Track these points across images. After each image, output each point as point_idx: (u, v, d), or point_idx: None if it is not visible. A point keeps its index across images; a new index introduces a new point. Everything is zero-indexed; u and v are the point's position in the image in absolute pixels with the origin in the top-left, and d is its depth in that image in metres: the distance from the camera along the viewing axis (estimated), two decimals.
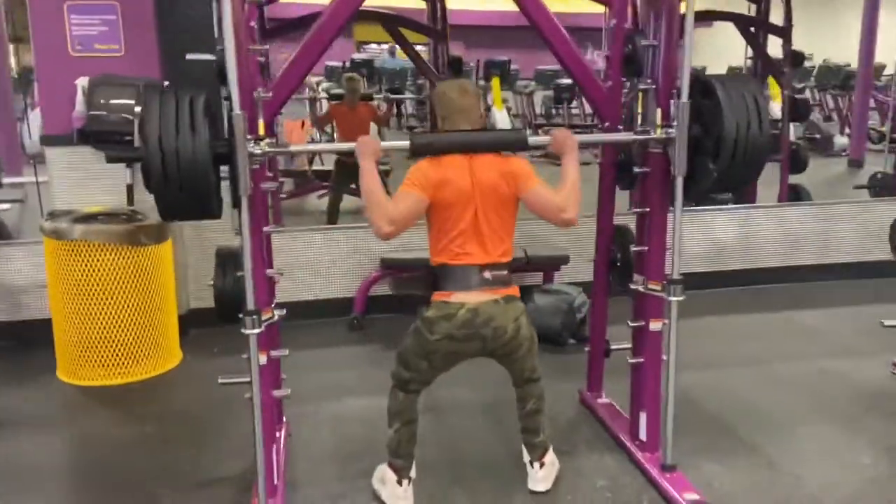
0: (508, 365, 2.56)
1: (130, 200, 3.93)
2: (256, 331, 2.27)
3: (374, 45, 15.08)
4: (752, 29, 6.36)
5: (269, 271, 2.60)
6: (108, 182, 3.95)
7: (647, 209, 2.65)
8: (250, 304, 2.25)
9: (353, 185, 6.82)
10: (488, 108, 7.70)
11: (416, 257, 4.49)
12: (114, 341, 3.61)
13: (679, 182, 2.43)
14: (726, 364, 3.82)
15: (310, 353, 3.93)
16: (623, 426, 2.96)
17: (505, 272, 2.43)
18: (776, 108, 6.11)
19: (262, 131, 2.23)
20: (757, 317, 4.59)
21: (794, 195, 6.11)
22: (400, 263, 4.47)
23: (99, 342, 3.60)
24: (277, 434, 2.85)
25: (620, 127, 2.88)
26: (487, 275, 2.39)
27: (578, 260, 4.58)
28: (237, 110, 2.12)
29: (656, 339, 2.71)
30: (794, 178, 6.11)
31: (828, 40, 12.02)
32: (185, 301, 4.28)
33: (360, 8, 5.62)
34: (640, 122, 2.61)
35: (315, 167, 7.25)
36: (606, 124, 2.88)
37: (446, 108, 2.46)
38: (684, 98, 2.36)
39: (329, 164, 6.69)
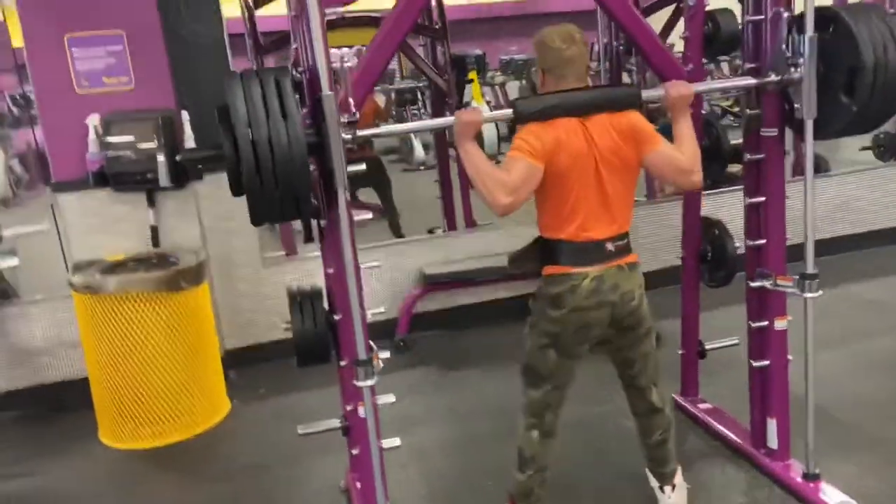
0: (628, 351, 2.31)
1: (156, 242, 3.64)
2: (371, 382, 2.02)
3: (345, 49, 14.76)
4: None
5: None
6: (126, 226, 3.66)
7: (762, 198, 2.44)
8: (362, 353, 1.99)
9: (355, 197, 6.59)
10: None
11: (459, 269, 4.30)
12: (160, 397, 3.31)
13: (809, 126, 2.21)
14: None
15: None
16: (740, 433, 2.76)
17: (626, 241, 2.21)
18: None
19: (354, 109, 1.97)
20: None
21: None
22: (444, 277, 4.24)
23: (144, 399, 3.30)
24: None
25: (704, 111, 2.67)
26: (610, 247, 2.17)
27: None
28: (327, 91, 1.85)
29: (782, 339, 2.51)
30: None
31: None
32: (220, 343, 3.99)
33: (350, 15, 5.33)
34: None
35: None
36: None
37: (551, 59, 2.18)
38: (810, 31, 2.14)
39: None
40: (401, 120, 11.46)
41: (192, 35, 3.60)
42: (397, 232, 5.86)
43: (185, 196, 3.69)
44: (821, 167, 5.95)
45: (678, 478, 2.45)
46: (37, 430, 3.61)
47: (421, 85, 9.65)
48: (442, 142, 5.83)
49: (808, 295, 2.31)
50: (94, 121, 3.44)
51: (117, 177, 3.43)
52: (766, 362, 2.53)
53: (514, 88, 11.99)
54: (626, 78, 5.91)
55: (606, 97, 2.20)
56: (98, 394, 3.40)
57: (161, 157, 3.39)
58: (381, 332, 4.22)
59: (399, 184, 6.09)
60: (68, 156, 3.52)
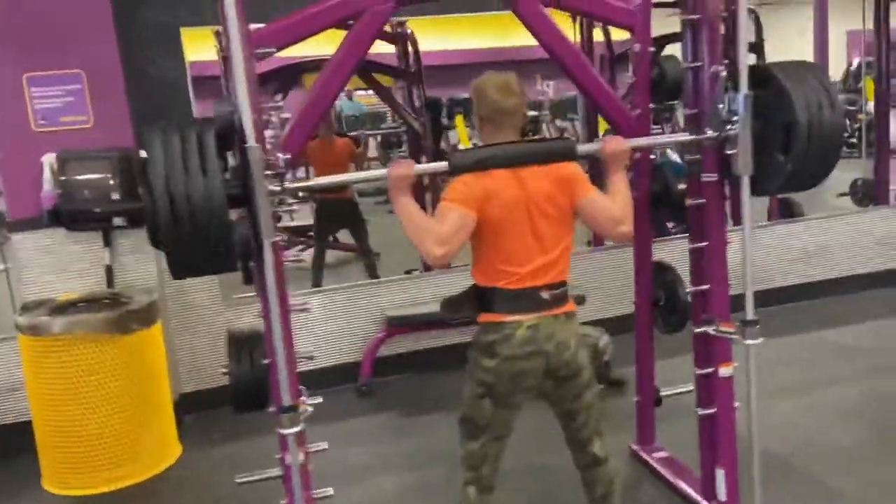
0: (568, 402, 2.24)
1: (110, 282, 3.59)
2: (296, 429, 1.95)
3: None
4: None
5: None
6: (81, 265, 3.61)
7: (705, 243, 2.41)
8: (286, 399, 1.92)
9: (333, 238, 6.52)
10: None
11: (424, 311, 4.23)
12: (106, 442, 3.21)
13: (745, 182, 2.19)
14: (772, 394, 3.55)
15: (319, 429, 3.59)
16: (693, 483, 2.68)
17: (563, 290, 2.18)
18: None
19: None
20: (787, 340, 4.34)
21: (786, 209, 5.98)
22: (407, 320, 4.18)
23: (89, 444, 3.20)
24: None
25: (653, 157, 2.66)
26: (545, 295, 2.13)
27: (595, 295, 4.34)
28: (252, 142, 1.82)
29: (728, 387, 2.45)
30: None
31: None
32: (177, 386, 3.91)
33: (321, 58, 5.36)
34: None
35: (286, 223, 6.84)
36: (637, 155, 2.66)
37: (488, 109, 2.18)
38: (744, 89, 2.13)
39: (302, 219, 6.26)
40: (387, 162, 11.52)
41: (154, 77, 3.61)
42: (373, 274, 5.80)
43: (142, 235, 3.62)
44: (794, 212, 5.96)
45: None
46: None
47: (404, 128, 9.73)
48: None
49: (749, 342, 2.25)
50: (49, 159, 3.41)
51: (72, 215, 3.39)
52: (713, 410, 2.47)
53: None
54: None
55: (541, 151, 2.20)
56: (41, 439, 3.30)
57: (117, 197, 3.36)
58: (346, 376, 4.18)
59: (383, 225, 6.04)
60: (23, 194, 3.48)
